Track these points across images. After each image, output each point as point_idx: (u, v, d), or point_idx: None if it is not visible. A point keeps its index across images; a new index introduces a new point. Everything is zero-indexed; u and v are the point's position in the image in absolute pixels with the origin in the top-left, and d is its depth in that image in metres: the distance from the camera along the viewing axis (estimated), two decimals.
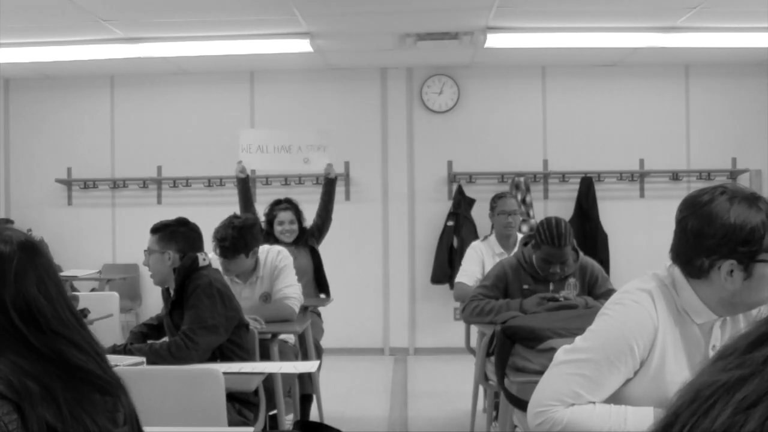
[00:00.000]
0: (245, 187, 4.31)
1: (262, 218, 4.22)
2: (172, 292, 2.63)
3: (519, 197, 5.77)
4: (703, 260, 1.33)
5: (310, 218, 4.33)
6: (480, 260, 3.82)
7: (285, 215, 4.15)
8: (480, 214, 5.81)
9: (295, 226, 4.17)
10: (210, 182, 6.05)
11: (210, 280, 2.53)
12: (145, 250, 2.65)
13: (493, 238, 3.92)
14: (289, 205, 4.22)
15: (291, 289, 3.28)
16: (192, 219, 2.71)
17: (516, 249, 3.47)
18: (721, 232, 1.29)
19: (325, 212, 4.30)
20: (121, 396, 1.00)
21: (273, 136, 4.44)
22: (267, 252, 3.33)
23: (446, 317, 6.01)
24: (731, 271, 1.31)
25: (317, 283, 4.22)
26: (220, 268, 3.18)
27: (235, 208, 3.97)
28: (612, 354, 1.38)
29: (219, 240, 3.09)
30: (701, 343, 1.41)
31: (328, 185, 4.35)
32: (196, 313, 2.47)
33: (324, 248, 4.35)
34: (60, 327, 0.95)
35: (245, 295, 3.27)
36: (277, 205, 4.24)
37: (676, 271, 1.40)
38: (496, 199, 3.90)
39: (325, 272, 4.13)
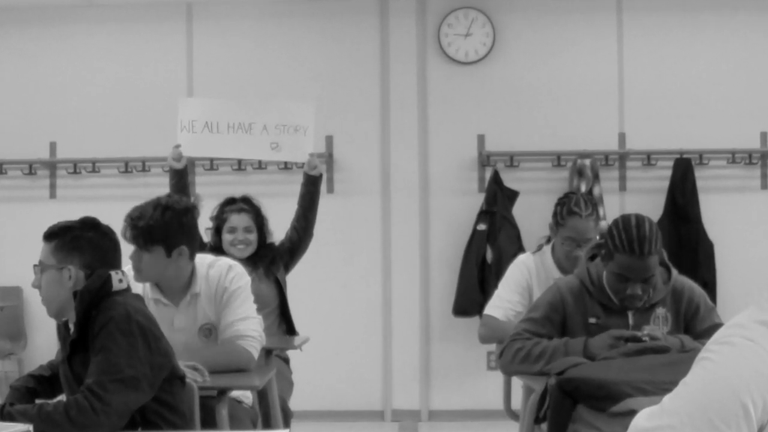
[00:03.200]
0: (182, 181, 4.38)
1: (206, 227, 4.27)
2: (72, 326, 2.62)
3: (583, 188, 5.80)
4: None
5: (278, 226, 4.36)
6: (526, 285, 3.86)
7: (239, 219, 4.20)
8: (526, 212, 5.80)
9: (253, 236, 4.22)
10: (128, 167, 6.07)
11: (128, 310, 2.54)
12: (35, 265, 2.66)
13: (549, 253, 3.93)
14: (247, 205, 4.26)
15: (248, 324, 3.29)
16: (103, 220, 2.71)
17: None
18: None
19: (305, 223, 4.38)
20: None
21: (227, 109, 4.52)
22: (210, 265, 3.33)
23: (476, 365, 6.01)
24: None
25: (284, 317, 4.27)
26: (146, 290, 3.20)
27: None
28: (717, 417, 1.38)
29: (132, 219, 3.12)
30: None
31: (310, 185, 4.42)
32: (108, 360, 2.48)
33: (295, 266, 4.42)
34: None
35: (179, 325, 3.29)
36: (228, 204, 4.28)
37: None
38: (565, 213, 3.82)
39: (292, 301, 4.24)
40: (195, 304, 3.28)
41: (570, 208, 3.81)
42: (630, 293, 3.02)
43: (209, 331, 3.30)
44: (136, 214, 3.14)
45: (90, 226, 2.66)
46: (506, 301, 3.83)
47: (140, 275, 3.18)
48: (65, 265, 2.60)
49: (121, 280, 2.62)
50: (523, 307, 3.73)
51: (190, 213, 3.20)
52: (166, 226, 3.12)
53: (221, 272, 3.30)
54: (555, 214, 3.87)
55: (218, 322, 3.29)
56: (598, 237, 3.81)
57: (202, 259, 3.32)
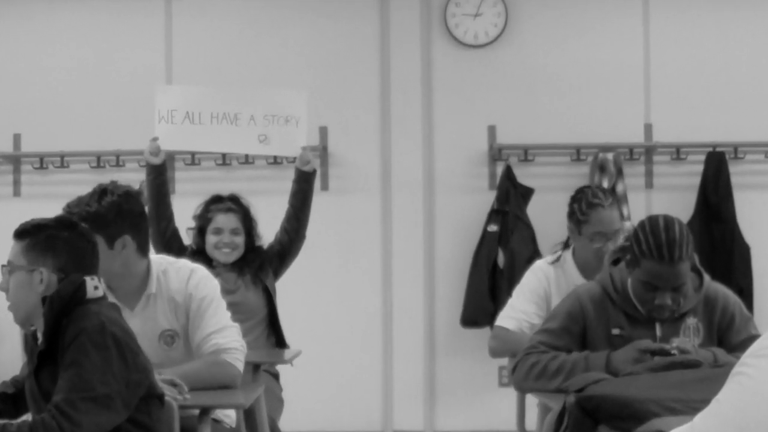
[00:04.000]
0: (160, 178, 4.40)
1: (188, 228, 4.36)
2: (40, 336, 2.62)
3: (605, 184, 5.77)
4: None
5: (266, 227, 4.36)
6: (543, 294, 3.88)
7: (225, 220, 4.22)
8: (542, 212, 5.80)
9: (240, 239, 4.24)
10: (100, 161, 6.07)
11: (102, 321, 2.53)
12: (3, 266, 2.67)
13: (570, 259, 3.94)
14: (235, 205, 4.29)
15: (227, 335, 3.24)
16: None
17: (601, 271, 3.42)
18: None
19: (296, 224, 4.40)
20: None
21: (210, 97, 4.54)
22: (170, 267, 3.30)
23: (486, 381, 6.01)
24: None
25: (274, 329, 4.31)
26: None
27: None
28: None
29: (69, 207, 3.12)
30: None
31: (303, 182, 4.43)
32: (78, 375, 2.47)
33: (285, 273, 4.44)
34: None
35: (135, 332, 3.09)
36: (214, 203, 4.30)
37: None
38: (585, 207, 3.85)
39: (283, 311, 4.32)
40: (153, 307, 3.25)
41: (589, 201, 3.83)
42: (658, 303, 3.02)
43: (171, 338, 3.28)
44: (74, 201, 3.15)
45: (66, 226, 2.66)
46: (520, 311, 3.84)
47: None
48: (36, 267, 2.60)
49: (96, 287, 2.61)
50: (539, 318, 3.74)
51: (132, 198, 3.18)
52: (105, 213, 3.10)
53: (182, 276, 3.28)
54: (573, 213, 3.88)
55: (184, 333, 3.26)
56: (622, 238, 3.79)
57: (159, 262, 3.30)
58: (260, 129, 4.47)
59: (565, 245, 4.00)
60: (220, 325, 3.25)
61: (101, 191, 3.14)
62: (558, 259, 3.95)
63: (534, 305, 3.84)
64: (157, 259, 3.32)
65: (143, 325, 3.19)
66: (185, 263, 3.35)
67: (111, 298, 3.07)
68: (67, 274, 2.59)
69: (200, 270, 3.32)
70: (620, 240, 3.72)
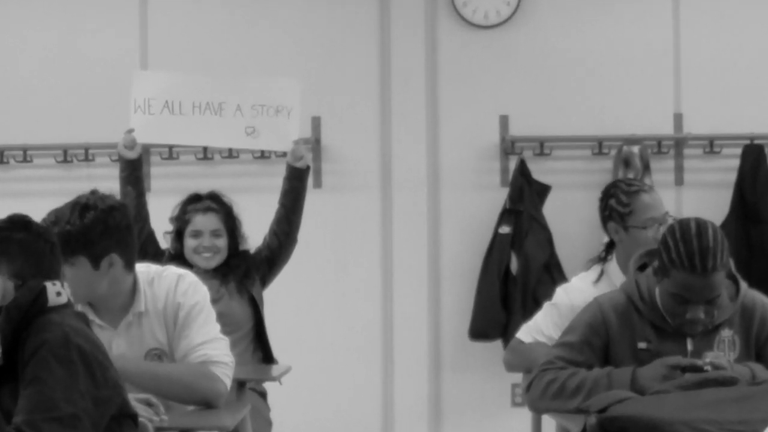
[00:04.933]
0: (134, 174, 4.42)
1: (165, 231, 4.37)
2: None
3: None
4: None
5: (252, 229, 4.39)
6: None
7: (205, 221, 4.25)
8: (560, 211, 5.83)
9: (222, 242, 4.27)
10: (67, 156, 6.07)
11: (66, 332, 2.51)
12: None
13: (616, 270, 3.85)
14: (215, 204, 4.31)
15: (216, 348, 3.27)
16: (37, 219, 2.71)
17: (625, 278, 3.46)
18: None
19: (287, 227, 4.43)
20: None
21: (192, 85, 4.56)
22: (153, 279, 3.33)
23: (498, 400, 6.01)
24: None
25: (260, 342, 4.33)
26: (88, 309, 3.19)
27: None
28: None
29: (51, 223, 3.07)
30: None
31: (295, 180, 4.46)
32: (41, 393, 2.46)
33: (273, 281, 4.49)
34: None
35: (119, 352, 3.24)
36: (192, 203, 4.33)
37: None
38: (627, 198, 3.83)
39: (270, 322, 4.35)
40: (139, 325, 3.27)
41: (626, 190, 3.85)
42: (690, 317, 3.02)
43: (158, 357, 3.30)
44: (51, 218, 3.11)
45: (21, 226, 2.64)
46: (543, 335, 3.76)
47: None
48: None
49: (59, 294, 2.60)
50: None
51: (118, 212, 3.19)
52: (88, 231, 3.10)
53: (169, 285, 3.30)
54: (612, 210, 3.85)
55: (171, 347, 3.28)
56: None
57: (144, 274, 3.31)
58: (248, 120, 4.50)
59: (604, 258, 3.95)
60: (210, 336, 3.27)
61: (83, 206, 3.12)
62: (600, 278, 3.87)
63: (559, 330, 3.64)
64: (143, 269, 3.33)
65: (128, 345, 3.23)
66: (172, 270, 3.37)
67: (91, 317, 3.16)
68: (24, 281, 2.58)
69: (188, 276, 3.35)
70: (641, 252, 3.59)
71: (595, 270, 3.93)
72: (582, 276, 3.99)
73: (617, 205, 3.84)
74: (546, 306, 3.91)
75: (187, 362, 3.23)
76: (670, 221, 3.65)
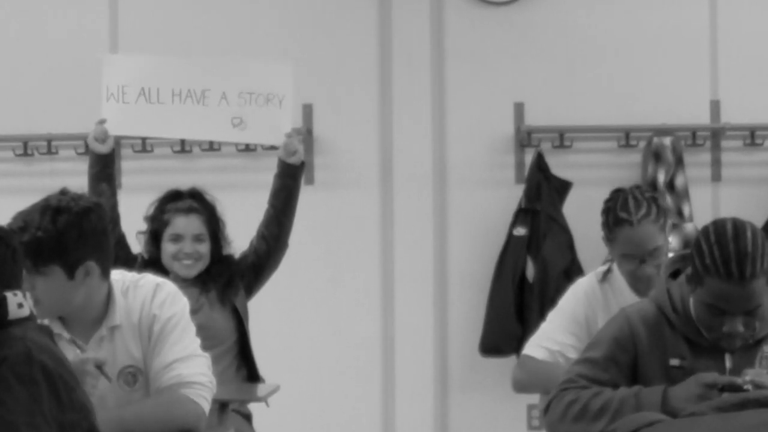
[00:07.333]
0: (106, 170, 4.46)
1: (138, 231, 4.41)
2: None
3: (662, 178, 5.82)
4: None
5: (236, 231, 4.40)
6: (585, 323, 3.90)
7: (186, 224, 4.27)
8: (581, 211, 5.70)
9: (204, 248, 4.29)
10: (27, 148, 6.10)
11: (28, 348, 2.50)
12: None
13: (619, 275, 3.96)
14: (198, 204, 4.33)
15: (192, 366, 3.29)
16: None
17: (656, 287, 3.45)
18: None
19: (277, 230, 4.46)
20: None
21: (171, 70, 4.62)
22: (132, 286, 3.34)
23: (512, 423, 5.95)
24: None
25: (245, 358, 4.34)
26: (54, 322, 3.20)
27: None
28: None
29: (19, 229, 3.07)
30: None
31: (287, 177, 4.46)
32: (0, 417, 2.45)
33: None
34: None
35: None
36: (171, 201, 4.34)
37: None
38: (612, 223, 3.91)
39: (256, 337, 4.38)
40: (112, 340, 3.30)
41: (616, 215, 3.91)
42: (727, 331, 3.03)
43: (132, 376, 3.32)
44: (18, 223, 3.13)
45: None
46: (554, 341, 3.87)
47: (39, 308, 3.06)
48: None
49: (20, 305, 2.60)
50: (577, 352, 3.72)
51: (94, 214, 3.21)
52: (61, 237, 3.13)
53: (145, 295, 3.32)
54: (603, 225, 3.99)
55: (146, 364, 3.31)
56: (669, 240, 3.98)
57: (119, 282, 3.34)
58: (234, 110, 4.53)
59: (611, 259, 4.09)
60: (186, 352, 3.29)
61: (54, 209, 3.15)
62: (606, 275, 4.01)
63: (572, 336, 3.88)
64: (117, 277, 3.35)
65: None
66: (150, 279, 3.40)
67: (59, 330, 3.22)
68: None
69: (167, 285, 3.39)
70: (665, 257, 3.83)
71: (605, 267, 4.09)
72: (592, 274, 4.12)
73: (605, 225, 3.96)
74: (550, 315, 4.04)
75: (157, 391, 3.26)
76: (670, 255, 3.75)
